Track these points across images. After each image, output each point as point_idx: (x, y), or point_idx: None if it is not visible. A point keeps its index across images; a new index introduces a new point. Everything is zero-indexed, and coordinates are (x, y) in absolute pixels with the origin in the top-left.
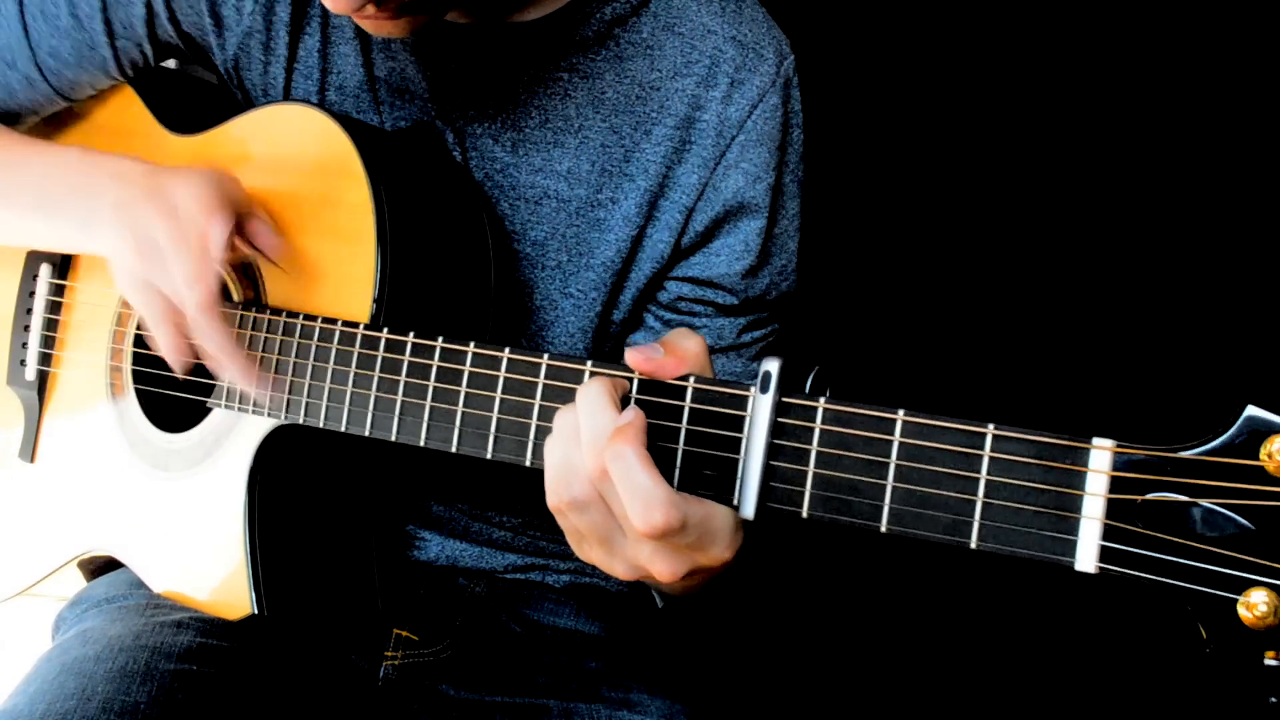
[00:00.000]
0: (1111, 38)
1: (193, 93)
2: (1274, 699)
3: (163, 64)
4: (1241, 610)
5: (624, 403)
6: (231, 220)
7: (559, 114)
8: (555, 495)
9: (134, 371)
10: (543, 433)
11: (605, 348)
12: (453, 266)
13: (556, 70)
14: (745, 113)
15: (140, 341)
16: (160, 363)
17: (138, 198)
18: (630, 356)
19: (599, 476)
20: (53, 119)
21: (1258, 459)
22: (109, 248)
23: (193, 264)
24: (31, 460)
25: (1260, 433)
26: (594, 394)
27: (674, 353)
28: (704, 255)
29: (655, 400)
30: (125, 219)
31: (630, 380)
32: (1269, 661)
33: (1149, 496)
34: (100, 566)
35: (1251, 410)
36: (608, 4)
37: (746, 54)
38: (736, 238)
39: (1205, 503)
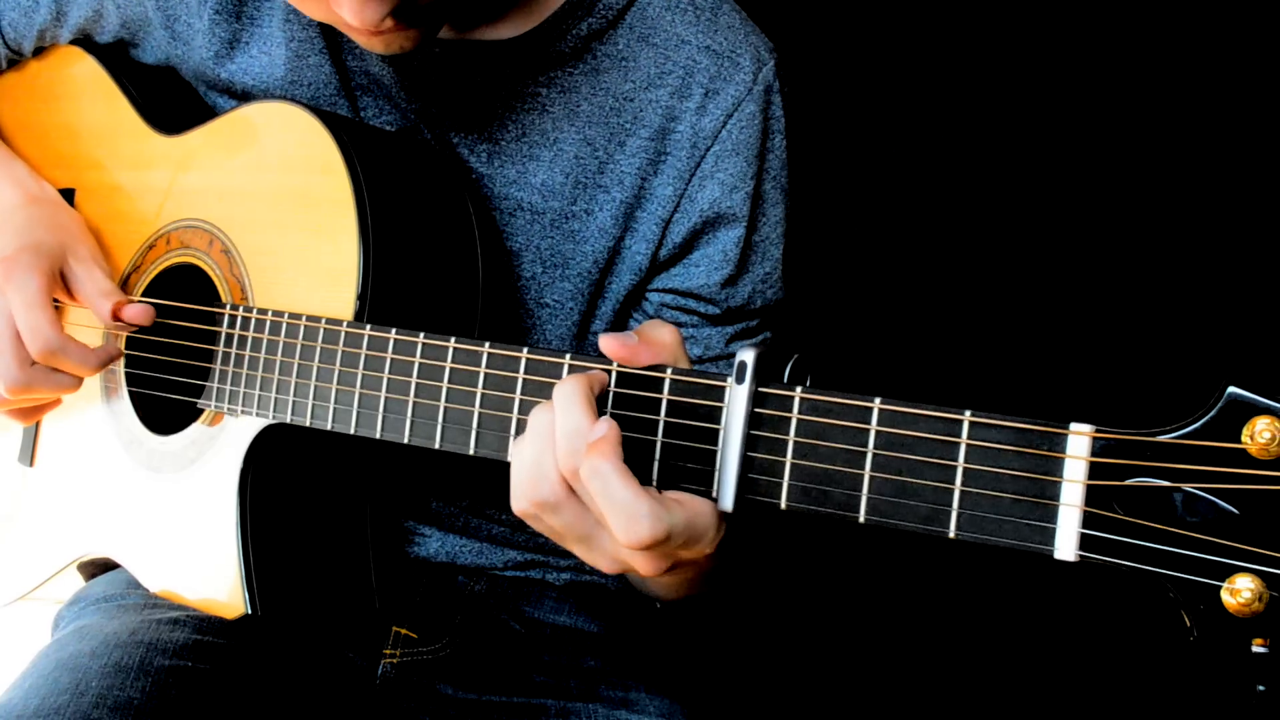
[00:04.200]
0: (1076, 34)
1: (178, 92)
2: (1261, 687)
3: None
4: (1226, 597)
5: (604, 400)
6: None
7: (535, 128)
8: (524, 498)
9: (127, 374)
10: (524, 428)
11: (588, 354)
12: (439, 261)
13: (534, 85)
14: (719, 123)
15: (133, 344)
16: (152, 364)
17: None
18: (604, 341)
19: (572, 476)
20: (41, 115)
21: (1240, 441)
22: None
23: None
24: (31, 464)
25: (1242, 414)
26: (568, 392)
27: (648, 341)
28: (683, 266)
29: (633, 393)
30: None
31: (609, 373)
32: (1256, 649)
33: (1129, 482)
34: (100, 568)
35: (1233, 391)
36: (585, 19)
37: (721, 63)
38: (715, 248)
39: (1187, 487)
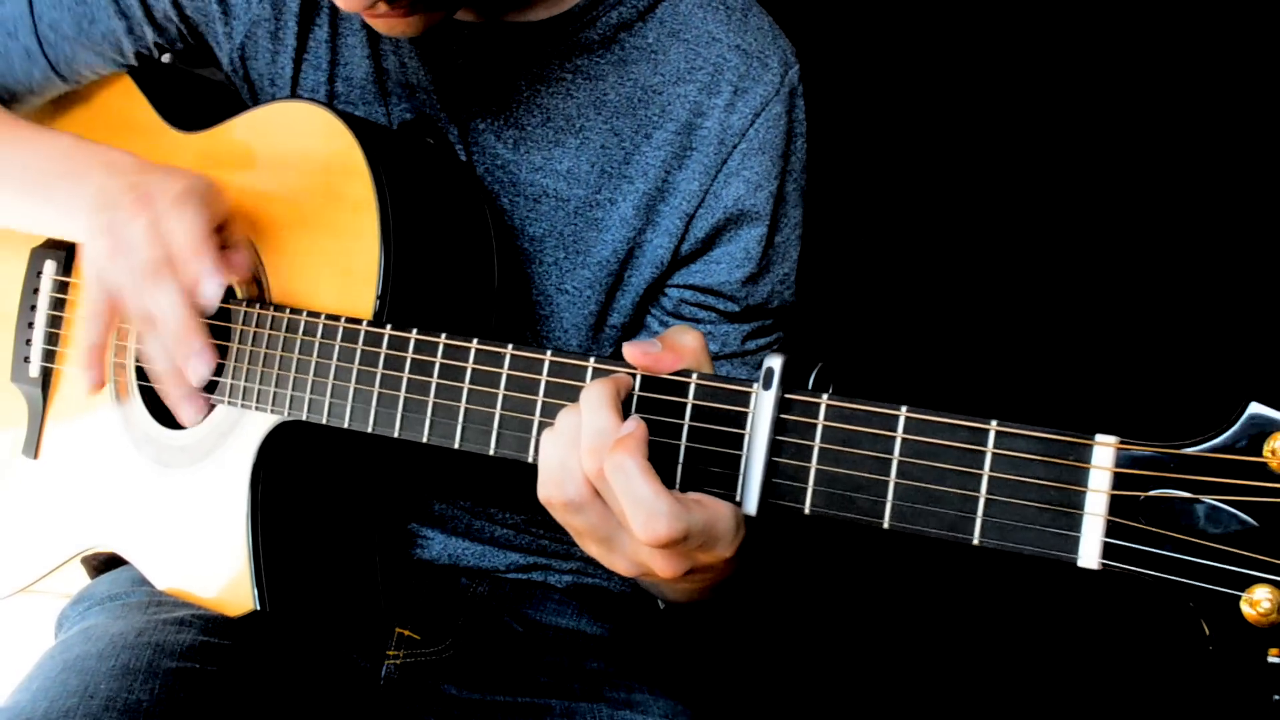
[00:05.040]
0: (1112, 40)
1: (197, 89)
2: (1277, 696)
3: (167, 62)
4: (1244, 607)
5: (628, 404)
6: (211, 239)
7: (561, 113)
8: (548, 497)
9: (138, 368)
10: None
11: (605, 348)
12: (456, 262)
13: (560, 71)
14: (748, 121)
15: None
16: None
17: (123, 191)
18: (628, 351)
19: (596, 477)
20: (57, 113)
21: (1261, 456)
22: (85, 235)
23: (164, 280)
24: (35, 456)
25: (1263, 430)
26: (595, 395)
27: (671, 348)
28: (704, 263)
29: (658, 398)
30: (105, 212)
31: (633, 377)
32: (1272, 659)
33: (1152, 493)
34: (104, 563)
35: (1254, 407)
36: (614, 9)
37: (750, 63)
38: (737, 245)
39: (1208, 499)
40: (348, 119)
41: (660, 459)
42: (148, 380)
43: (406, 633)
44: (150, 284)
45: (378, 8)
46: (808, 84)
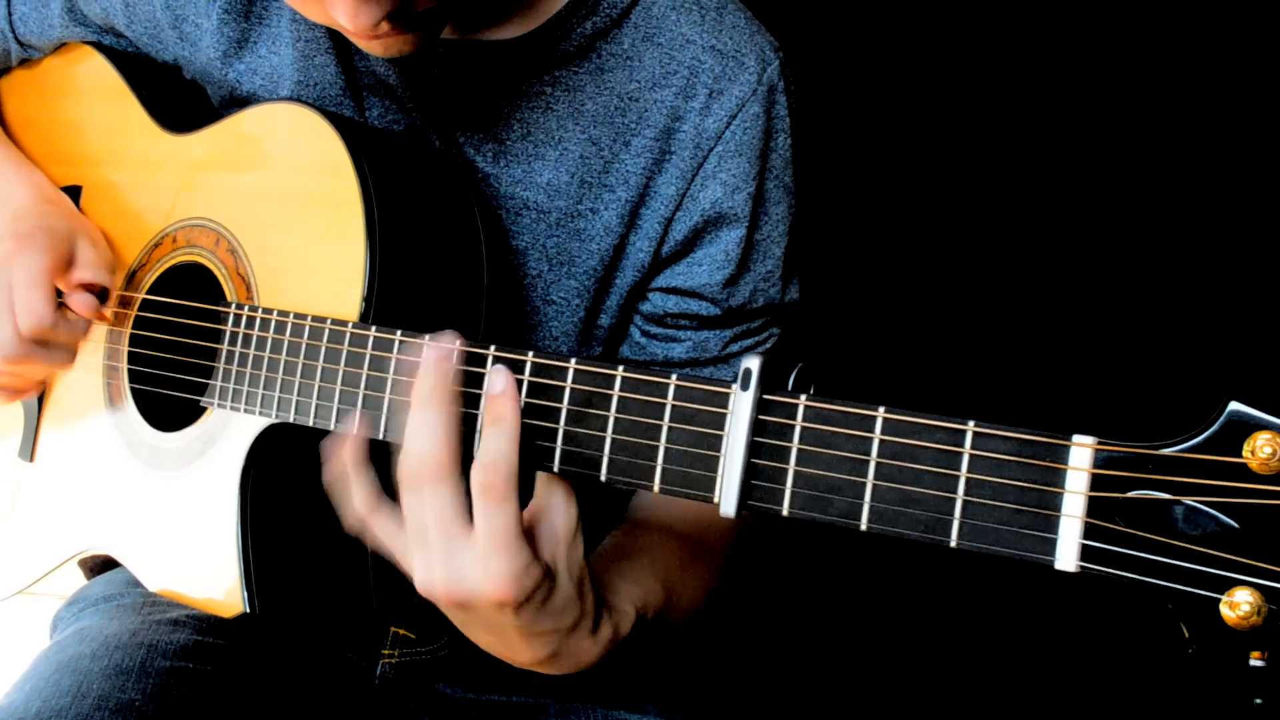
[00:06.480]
0: (1090, 32)
1: (188, 91)
2: (1258, 700)
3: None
4: (1224, 610)
5: (606, 402)
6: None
7: (540, 127)
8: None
9: (130, 371)
10: (529, 432)
11: (594, 350)
12: (444, 264)
13: (539, 84)
14: (723, 124)
15: (136, 341)
16: (156, 362)
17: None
18: None
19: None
20: (49, 112)
21: (1241, 456)
22: None
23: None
24: (31, 459)
25: (1243, 429)
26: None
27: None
28: (686, 265)
29: (638, 398)
30: None
31: (615, 377)
32: (1254, 662)
33: (1131, 494)
34: (100, 565)
35: (1234, 406)
36: (589, 18)
37: (726, 63)
38: (717, 247)
39: (1188, 500)
40: (335, 120)
41: (640, 459)
42: (140, 382)
43: (402, 632)
44: None
45: (381, 28)
46: (795, 79)
